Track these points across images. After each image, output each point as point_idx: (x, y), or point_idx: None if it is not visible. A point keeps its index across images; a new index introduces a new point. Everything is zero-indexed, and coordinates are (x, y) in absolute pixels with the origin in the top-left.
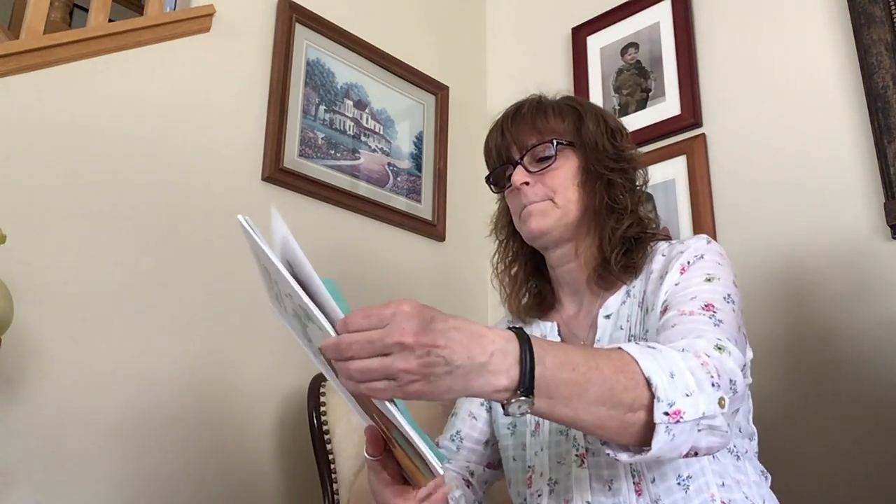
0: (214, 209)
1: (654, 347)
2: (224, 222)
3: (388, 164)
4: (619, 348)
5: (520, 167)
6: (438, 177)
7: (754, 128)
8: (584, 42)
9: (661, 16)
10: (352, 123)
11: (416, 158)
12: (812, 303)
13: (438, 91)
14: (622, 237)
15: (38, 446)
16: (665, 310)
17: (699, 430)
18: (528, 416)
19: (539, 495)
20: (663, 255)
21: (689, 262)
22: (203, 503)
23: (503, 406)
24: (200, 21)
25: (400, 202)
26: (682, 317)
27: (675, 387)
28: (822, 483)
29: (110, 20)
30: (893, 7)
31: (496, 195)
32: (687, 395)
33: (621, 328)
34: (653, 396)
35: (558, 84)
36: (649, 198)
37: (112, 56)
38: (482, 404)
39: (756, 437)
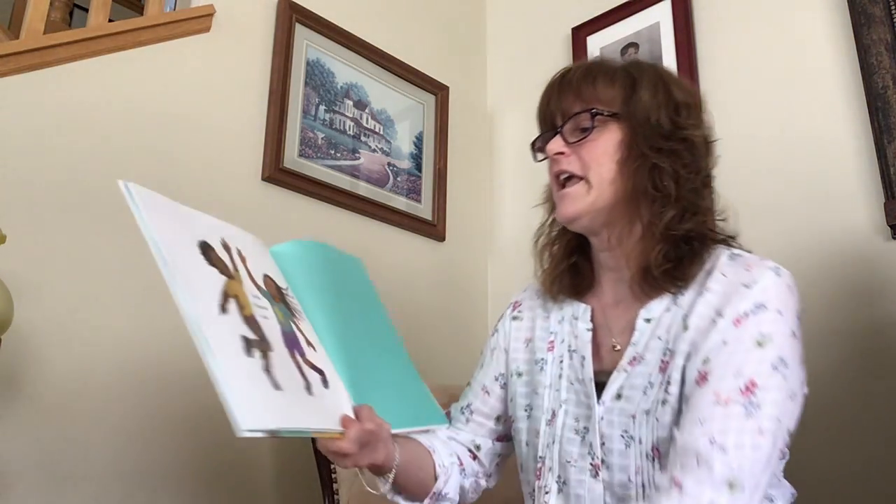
0: (214, 209)
1: None
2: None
3: (388, 164)
4: None
5: (558, 136)
6: (438, 177)
7: (754, 127)
8: (584, 42)
9: (661, 16)
10: (352, 123)
11: (416, 158)
12: (812, 303)
13: (438, 91)
14: (666, 234)
15: (38, 446)
16: (704, 378)
17: None
18: (545, 402)
19: (547, 492)
20: (724, 276)
21: (745, 314)
22: (203, 501)
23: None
24: (200, 21)
25: (400, 202)
26: (715, 407)
27: None
28: (816, 484)
29: (110, 20)
30: (893, 7)
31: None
32: None
33: (659, 338)
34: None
35: None
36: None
37: (112, 56)
38: (496, 379)
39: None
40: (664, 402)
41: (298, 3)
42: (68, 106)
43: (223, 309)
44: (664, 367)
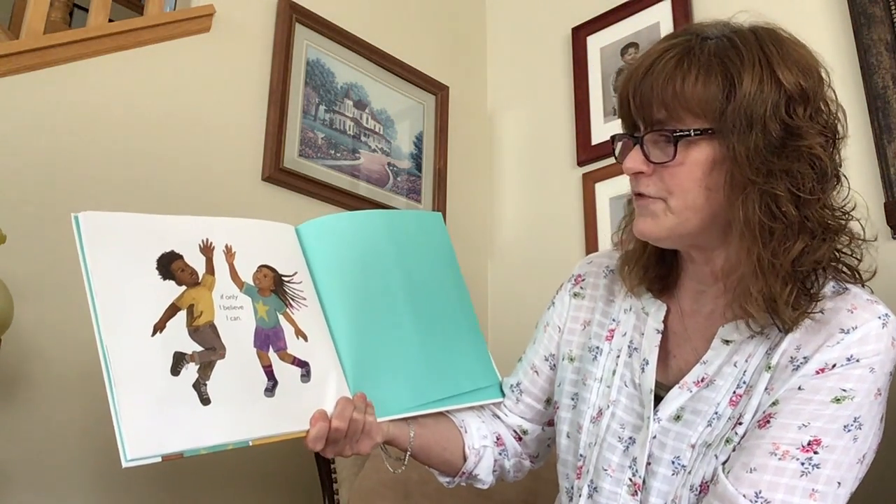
0: (215, 209)
1: None
2: None
3: (388, 164)
4: None
5: (637, 150)
6: (438, 177)
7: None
8: (584, 42)
9: (661, 16)
10: (352, 123)
11: (416, 158)
12: None
13: (438, 91)
14: (794, 272)
15: (38, 446)
16: (767, 419)
17: None
18: (593, 396)
19: (580, 495)
20: (821, 312)
21: (833, 365)
22: (203, 500)
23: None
24: (200, 21)
25: (400, 202)
26: (770, 458)
27: None
28: None
29: (110, 20)
30: (893, 7)
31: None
32: None
33: (735, 365)
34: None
35: (558, 84)
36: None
37: (112, 56)
38: (546, 360)
39: None
40: (728, 440)
41: (298, 3)
42: (68, 106)
43: (158, 328)
44: (735, 402)
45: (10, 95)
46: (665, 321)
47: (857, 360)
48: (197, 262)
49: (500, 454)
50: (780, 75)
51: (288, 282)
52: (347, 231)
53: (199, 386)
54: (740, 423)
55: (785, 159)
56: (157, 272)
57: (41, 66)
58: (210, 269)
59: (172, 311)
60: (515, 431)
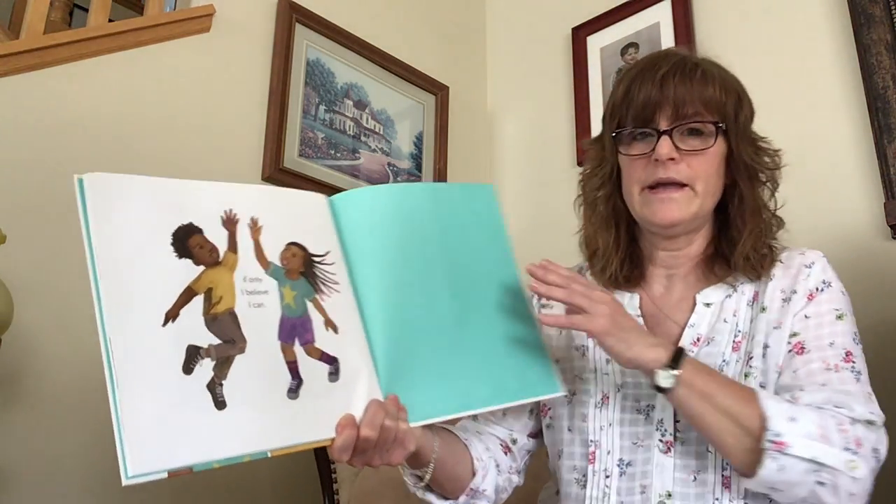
0: None
1: (779, 398)
2: None
3: (388, 164)
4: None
5: (667, 138)
6: (438, 177)
7: (753, 128)
8: (584, 42)
9: (661, 16)
10: (352, 123)
11: (416, 158)
12: None
13: (438, 91)
14: (760, 244)
15: (38, 446)
16: (801, 348)
17: (821, 484)
18: (594, 386)
19: (607, 476)
20: (781, 263)
21: (817, 289)
22: (203, 500)
23: (653, 374)
24: (200, 21)
25: None
26: (828, 373)
27: (790, 427)
28: None
29: (110, 20)
30: (893, 7)
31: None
32: (802, 437)
33: (725, 321)
34: (764, 427)
35: (558, 84)
36: None
37: (112, 56)
38: None
39: None
40: (747, 374)
41: (298, 3)
42: (68, 106)
43: (171, 316)
44: (737, 347)
45: (10, 95)
46: (641, 306)
47: (830, 284)
48: (218, 237)
49: (496, 469)
50: (747, 99)
51: (319, 263)
52: (388, 206)
53: (214, 386)
54: (752, 358)
55: (759, 158)
56: (171, 248)
57: (41, 66)
58: (233, 246)
59: (188, 295)
60: (505, 443)
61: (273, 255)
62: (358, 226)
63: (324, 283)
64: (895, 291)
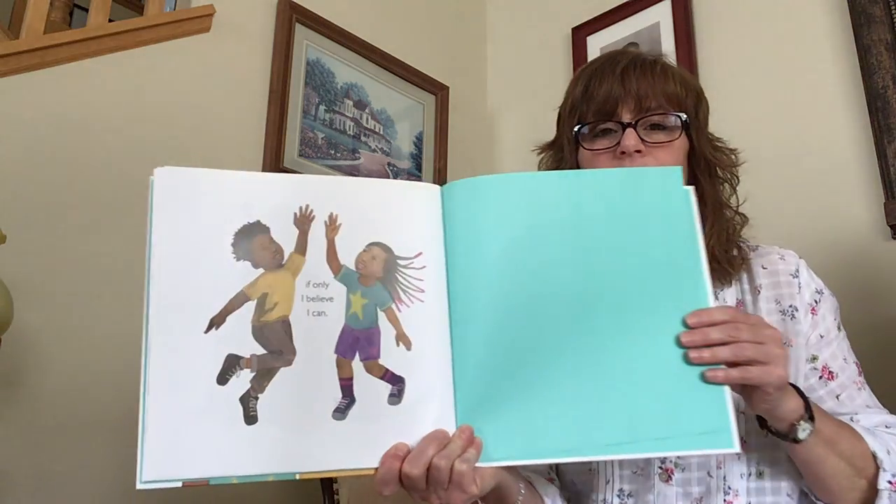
0: None
1: (868, 429)
2: None
3: (388, 164)
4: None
5: (631, 131)
6: (438, 177)
7: (754, 127)
8: (584, 42)
9: (661, 16)
10: (352, 123)
11: (416, 158)
12: None
13: (438, 91)
14: (728, 239)
15: (38, 446)
16: (829, 372)
17: None
18: None
19: None
20: (764, 268)
21: (815, 301)
22: (203, 499)
23: (792, 427)
24: (200, 21)
25: None
26: (862, 392)
27: (891, 461)
28: None
29: (110, 20)
30: (893, 7)
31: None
32: None
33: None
34: (877, 467)
35: (558, 84)
36: None
37: (112, 56)
38: None
39: None
40: None
41: (298, 3)
42: (68, 106)
43: (216, 323)
44: None
45: (10, 95)
46: None
47: (821, 292)
48: (286, 236)
49: None
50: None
51: (404, 267)
52: (518, 197)
53: (247, 399)
54: None
55: (718, 152)
56: (231, 250)
57: (41, 66)
58: (301, 248)
59: (239, 300)
60: (550, 474)
61: (348, 257)
62: (472, 222)
63: (404, 291)
64: (895, 291)
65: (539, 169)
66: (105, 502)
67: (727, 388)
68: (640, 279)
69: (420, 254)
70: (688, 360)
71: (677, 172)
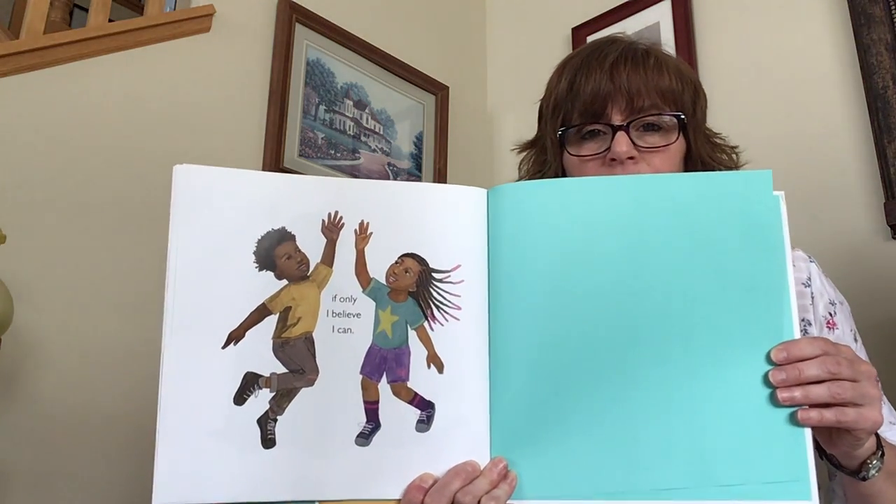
0: None
1: None
2: None
3: (388, 164)
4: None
5: (623, 134)
6: (438, 177)
7: (753, 127)
8: (584, 42)
9: (661, 16)
10: (352, 123)
11: (416, 158)
12: None
13: (438, 91)
14: None
15: (38, 446)
16: None
17: None
18: None
19: None
20: None
21: (831, 315)
22: None
23: (863, 465)
24: (200, 21)
25: None
26: (884, 406)
27: None
28: None
29: (110, 20)
30: (893, 7)
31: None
32: None
33: None
34: None
35: None
36: None
37: (112, 56)
38: None
39: None
40: None
41: (298, 3)
42: (68, 106)
43: (234, 338)
44: None
45: (10, 95)
46: None
47: (835, 303)
48: (313, 245)
49: None
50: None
51: (439, 281)
52: (574, 205)
53: (265, 422)
54: None
55: (717, 153)
56: (253, 258)
57: (41, 66)
58: (328, 258)
59: (260, 314)
60: None
61: (378, 269)
62: (520, 232)
63: (438, 307)
64: (895, 291)
65: (521, 169)
66: (105, 502)
67: (809, 432)
68: (714, 303)
69: (458, 266)
70: (773, 400)
71: (767, 177)
